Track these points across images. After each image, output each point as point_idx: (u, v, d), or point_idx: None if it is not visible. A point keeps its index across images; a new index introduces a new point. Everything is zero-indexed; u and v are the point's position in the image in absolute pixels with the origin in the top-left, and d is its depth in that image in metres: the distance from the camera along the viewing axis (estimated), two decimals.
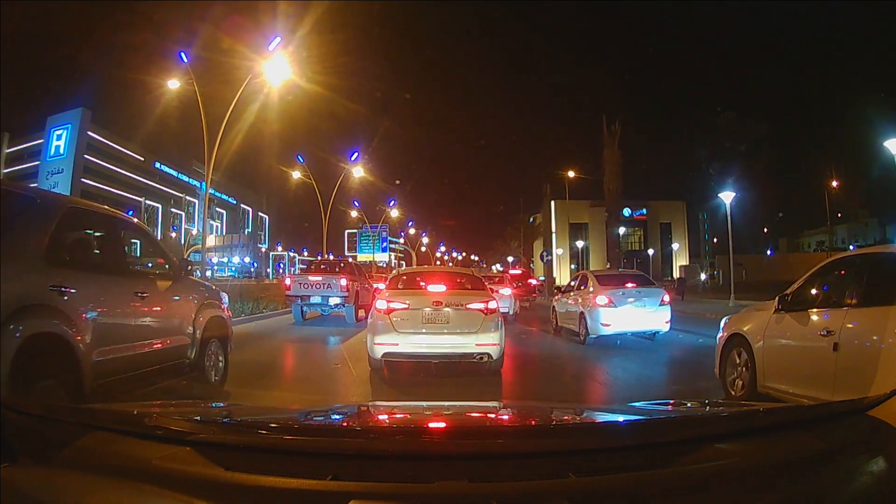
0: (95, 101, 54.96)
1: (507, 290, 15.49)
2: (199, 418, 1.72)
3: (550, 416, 2.12)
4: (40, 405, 1.97)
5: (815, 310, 4.32)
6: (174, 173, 66.50)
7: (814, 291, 4.57)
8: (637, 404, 2.35)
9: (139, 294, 4.28)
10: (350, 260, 24.24)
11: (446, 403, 2.99)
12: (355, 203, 46.64)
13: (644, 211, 59.59)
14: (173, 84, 17.56)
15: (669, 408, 2.38)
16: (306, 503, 1.13)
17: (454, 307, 6.25)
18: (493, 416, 2.26)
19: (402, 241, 75.36)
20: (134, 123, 49.98)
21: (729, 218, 21.42)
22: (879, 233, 54.05)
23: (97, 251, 4.36)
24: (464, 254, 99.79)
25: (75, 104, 52.78)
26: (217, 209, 71.22)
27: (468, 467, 1.22)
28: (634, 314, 9.73)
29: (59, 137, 53.01)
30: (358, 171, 33.45)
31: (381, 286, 9.06)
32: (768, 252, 60.05)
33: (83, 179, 51.99)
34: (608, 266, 31.10)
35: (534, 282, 27.52)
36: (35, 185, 32.88)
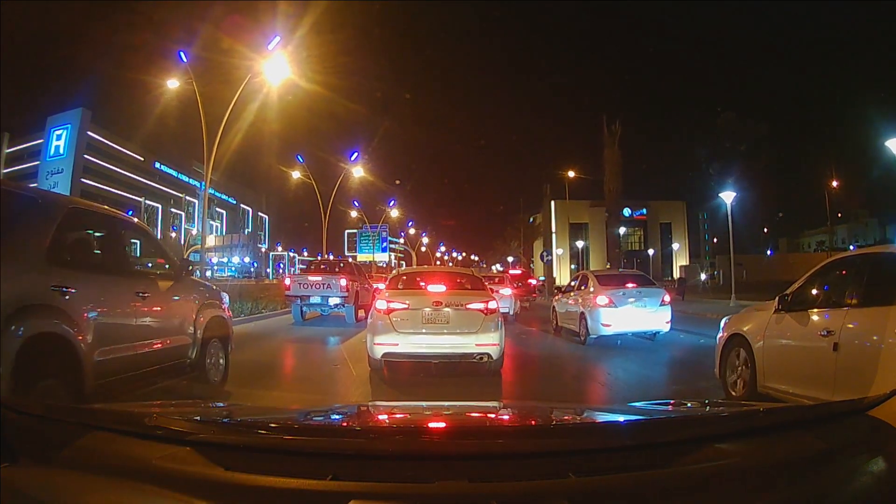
0: (95, 101, 55.07)
1: (507, 291, 15.48)
2: (199, 418, 1.72)
3: (550, 416, 2.12)
4: (40, 405, 1.97)
5: (815, 310, 4.32)
6: (174, 173, 66.52)
7: (814, 291, 4.57)
8: (637, 404, 2.35)
9: (140, 294, 4.28)
10: (350, 260, 24.22)
11: (446, 403, 2.99)
12: (355, 203, 46.67)
13: (644, 211, 59.63)
14: (173, 84, 17.54)
15: (669, 408, 2.38)
16: (306, 503, 1.13)
17: (454, 307, 6.25)
18: (493, 416, 2.26)
19: (402, 241, 75.34)
20: (134, 123, 50.08)
21: (730, 218, 21.42)
22: (879, 233, 54.08)
23: (98, 251, 4.36)
24: (464, 254, 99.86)
25: (75, 104, 52.87)
26: (217, 209, 71.24)
27: (468, 467, 1.22)
28: (635, 314, 9.72)
29: (58, 137, 53.03)
30: (358, 171, 33.45)
31: (381, 286, 9.05)
32: (768, 252, 60.06)
33: (83, 179, 52.01)
34: (608, 266, 31.12)
35: (534, 282, 27.51)
36: (35, 185, 32.91)
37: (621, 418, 2.03)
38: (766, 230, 63.91)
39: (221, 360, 5.52)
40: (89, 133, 54.04)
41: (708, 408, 2.31)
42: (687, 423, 1.74)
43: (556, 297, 12.69)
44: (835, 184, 45.35)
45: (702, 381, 6.27)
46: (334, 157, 38.92)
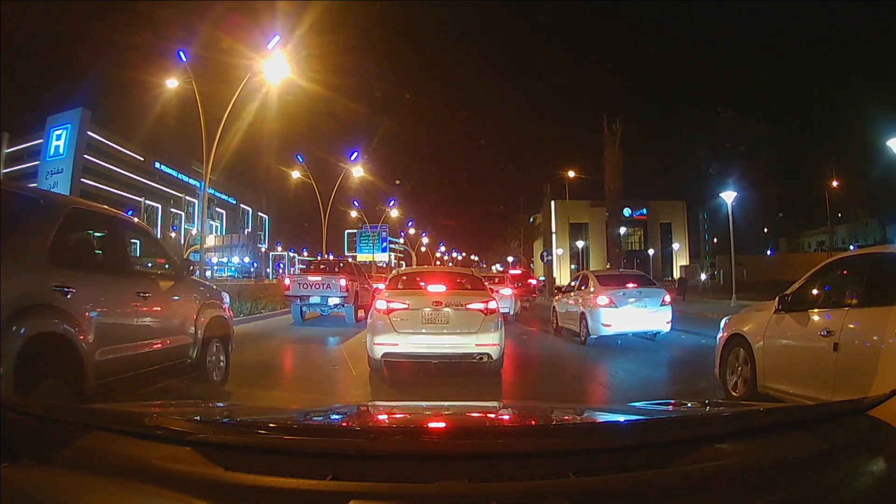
0: (95, 101, 55.14)
1: (507, 291, 15.49)
2: (199, 418, 1.73)
3: (550, 416, 2.12)
4: (40, 405, 1.97)
5: (815, 310, 4.32)
6: (174, 173, 66.53)
7: (814, 291, 4.57)
8: (637, 404, 2.35)
9: (141, 294, 4.29)
10: (350, 260, 24.21)
11: (446, 403, 2.99)
12: (355, 203, 46.66)
13: (644, 211, 59.66)
14: (172, 83, 17.53)
15: (669, 408, 2.38)
16: (306, 503, 1.13)
17: (454, 307, 6.24)
18: (493, 416, 2.26)
19: (401, 241, 75.34)
20: (133, 123, 50.12)
21: (730, 218, 21.41)
22: (879, 233, 54.10)
23: (99, 251, 4.38)
24: (464, 254, 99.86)
25: (75, 104, 52.90)
26: (217, 209, 71.27)
27: (468, 467, 1.22)
28: (635, 314, 9.71)
29: (58, 137, 53.05)
30: (358, 171, 33.45)
31: (381, 286, 9.05)
32: (768, 252, 60.08)
33: (83, 179, 52.02)
34: (608, 266, 31.10)
35: (533, 282, 27.51)
36: (34, 185, 32.92)
37: (621, 418, 2.03)
38: (766, 230, 64.00)
39: (222, 360, 5.52)
40: (89, 133, 54.05)
41: (708, 408, 2.31)
42: (687, 423, 1.74)
43: (557, 298, 12.68)
44: (835, 184, 45.43)
45: (702, 381, 6.27)
46: (334, 156, 38.99)
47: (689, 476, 1.26)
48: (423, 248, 73.58)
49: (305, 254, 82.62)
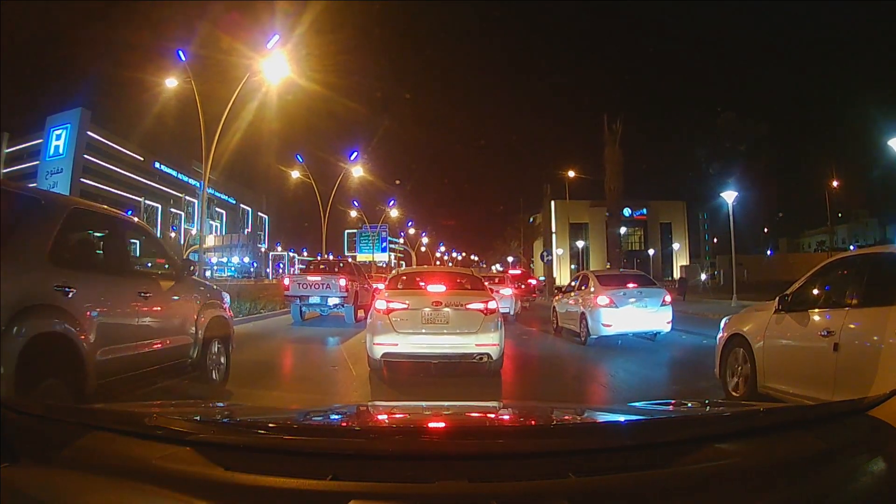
0: (95, 101, 55.20)
1: (508, 291, 15.49)
2: (199, 418, 1.73)
3: (550, 416, 2.12)
4: (40, 405, 1.97)
5: (815, 310, 4.31)
6: (174, 173, 66.55)
7: (814, 292, 4.57)
8: (637, 404, 2.35)
9: (142, 294, 4.30)
10: (349, 260, 24.21)
11: (446, 403, 2.99)
12: (355, 203, 46.67)
13: (644, 211, 59.69)
14: (171, 83, 17.52)
15: (670, 408, 2.38)
16: (306, 503, 1.13)
17: (454, 307, 6.24)
18: (493, 416, 2.26)
19: (401, 241, 75.38)
20: (133, 123, 50.17)
21: (731, 217, 21.38)
22: (880, 233, 54.15)
23: (101, 252, 4.40)
24: (463, 254, 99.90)
25: (74, 104, 52.93)
26: (216, 209, 71.29)
27: (468, 467, 1.22)
28: (636, 314, 9.70)
29: (58, 137, 53.07)
30: (357, 171, 33.49)
31: (381, 286, 9.05)
32: (768, 252, 60.10)
33: (82, 179, 52.03)
34: (608, 266, 31.09)
35: (533, 282, 27.51)
36: (34, 185, 32.91)
37: (621, 418, 2.03)
38: (766, 230, 64.01)
39: (222, 360, 5.53)
40: (89, 133, 54.07)
41: (708, 408, 2.31)
42: (687, 423, 1.74)
43: (557, 298, 12.67)
44: (835, 184, 45.40)
45: (702, 381, 6.27)
46: (334, 156, 39.03)
47: (689, 476, 1.26)
48: (422, 248, 73.64)
49: (305, 254, 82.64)
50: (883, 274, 3.92)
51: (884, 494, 1.23)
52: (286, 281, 14.76)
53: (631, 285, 10.16)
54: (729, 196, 21.25)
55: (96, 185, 52.65)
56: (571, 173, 36.82)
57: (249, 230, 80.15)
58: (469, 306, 6.29)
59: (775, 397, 4.44)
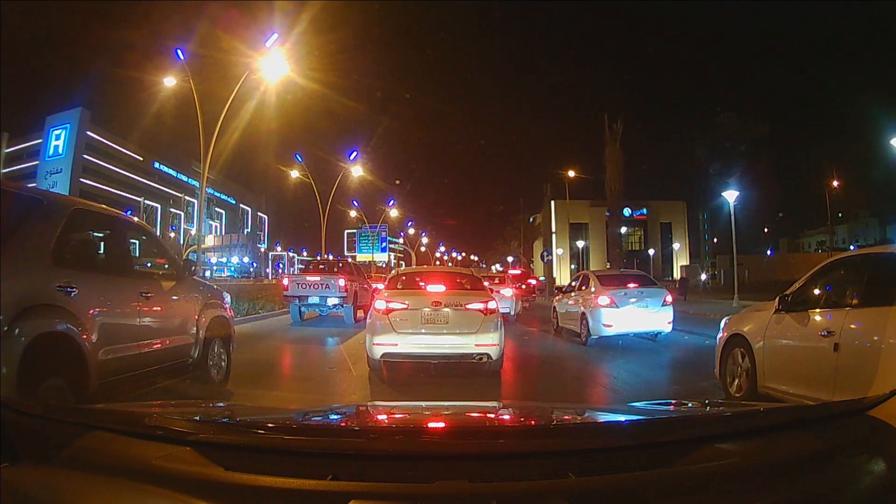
0: (94, 101, 55.23)
1: (509, 291, 15.49)
2: (199, 418, 1.73)
3: (550, 416, 2.12)
4: (41, 405, 1.97)
5: (815, 310, 4.31)
6: (173, 173, 66.56)
7: (814, 292, 4.57)
8: (637, 404, 2.35)
9: (144, 294, 4.32)
10: (349, 260, 24.19)
11: (446, 403, 2.99)
12: (354, 203, 46.64)
13: (644, 211, 59.70)
14: (170, 82, 17.47)
15: (670, 408, 2.38)
16: (306, 503, 1.13)
17: (453, 307, 6.24)
18: (492, 415, 2.26)
19: (401, 241, 75.38)
20: (132, 123, 50.14)
21: (732, 217, 21.29)
22: (880, 233, 54.23)
23: (102, 252, 4.42)
24: (463, 254, 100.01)
25: (74, 104, 52.94)
26: (216, 209, 71.31)
27: (468, 467, 1.22)
28: (636, 315, 9.68)
29: (57, 137, 53.11)
30: (357, 171, 33.52)
31: (380, 286, 9.04)
32: (768, 252, 60.12)
33: (82, 179, 52.04)
34: (608, 266, 31.08)
35: (533, 282, 27.50)
36: (34, 184, 32.92)
37: (621, 418, 2.03)
38: (766, 230, 64.07)
39: (223, 360, 5.55)
40: (88, 133, 54.08)
41: (708, 408, 2.30)
42: (687, 423, 1.74)
43: (557, 298, 12.66)
44: (835, 184, 45.39)
45: (703, 381, 6.27)
46: (333, 156, 38.99)
47: (690, 476, 1.26)
48: (422, 248, 73.66)
49: (305, 254, 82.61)
50: (883, 274, 3.92)
51: (884, 494, 1.23)
52: (285, 281, 14.74)
53: (632, 285, 10.14)
54: (730, 196, 21.18)
55: (96, 185, 52.66)
56: (571, 173, 36.81)
57: (249, 230, 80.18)
58: (469, 306, 6.28)
59: (775, 397, 4.44)
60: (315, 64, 18.49)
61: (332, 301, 13.60)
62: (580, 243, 53.60)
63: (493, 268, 61.71)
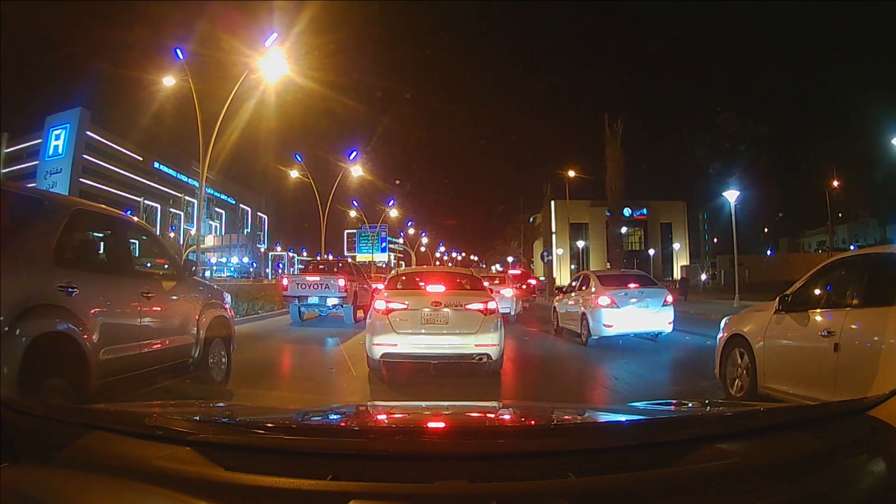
0: (94, 101, 55.24)
1: (509, 292, 15.47)
2: (199, 418, 1.73)
3: (551, 416, 2.12)
4: (41, 405, 1.97)
5: (815, 310, 4.31)
6: (173, 173, 66.61)
7: (814, 292, 4.57)
8: (637, 404, 2.35)
9: (145, 294, 4.32)
10: (349, 260, 24.18)
11: (446, 403, 2.99)
12: (354, 203, 46.62)
13: (644, 211, 59.67)
14: (169, 81, 17.42)
15: (670, 408, 2.37)
16: (306, 503, 1.13)
17: (453, 307, 6.23)
18: (492, 415, 2.26)
19: (401, 241, 75.39)
20: (132, 123, 50.10)
21: (733, 217, 21.24)
22: (880, 233, 54.24)
23: (104, 252, 4.43)
24: (463, 254, 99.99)
25: (74, 104, 52.97)
26: (216, 209, 71.35)
27: (468, 467, 1.22)
28: (637, 315, 9.67)
29: (57, 137, 53.14)
30: (357, 171, 33.49)
31: (380, 286, 9.03)
32: (768, 252, 60.12)
33: (82, 179, 52.05)
34: (608, 266, 31.08)
35: (533, 282, 27.48)
36: (33, 184, 32.90)
37: (621, 418, 2.03)
38: (766, 230, 64.06)
39: (224, 360, 5.55)
40: (88, 133, 54.09)
41: (708, 408, 2.30)
42: (687, 423, 1.74)
43: (557, 298, 12.64)
44: (835, 184, 45.36)
45: (703, 381, 6.27)
46: (333, 156, 38.95)
47: (690, 476, 1.26)
48: (422, 248, 73.65)
49: (305, 254, 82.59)
50: (883, 274, 3.92)
51: (884, 494, 1.23)
52: (285, 281, 14.70)
53: (632, 285, 10.11)
54: (731, 196, 21.13)
55: (95, 185, 52.68)
56: (571, 173, 36.76)
57: (249, 230, 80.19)
58: (468, 306, 6.28)
59: (775, 397, 4.43)
60: (315, 63, 18.46)
61: (331, 301, 13.58)
62: (580, 243, 53.59)
63: (492, 268, 61.70)
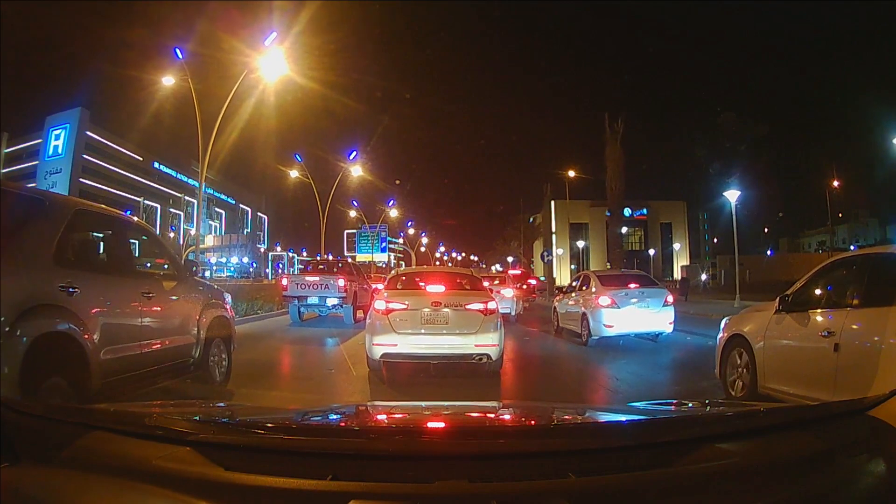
0: (93, 101, 55.29)
1: (510, 292, 15.46)
2: (199, 418, 1.73)
3: (551, 416, 2.12)
4: (41, 405, 1.97)
5: (815, 310, 4.31)
6: (173, 173, 66.61)
7: (815, 292, 4.57)
8: (637, 404, 2.35)
9: (145, 294, 4.33)
10: (349, 260, 24.17)
11: (446, 403, 2.99)
12: (354, 203, 46.59)
13: (644, 211, 59.70)
14: (169, 81, 17.40)
15: (670, 408, 2.37)
16: (306, 503, 1.13)
17: (453, 308, 6.23)
18: (492, 415, 2.26)
19: (401, 241, 75.37)
20: (132, 122, 50.10)
21: (734, 217, 21.20)
22: (880, 233, 54.22)
23: (104, 252, 4.44)
24: (463, 254, 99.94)
25: (73, 104, 52.99)
26: (216, 209, 71.35)
27: (468, 467, 1.22)
28: (637, 315, 9.65)
29: (57, 137, 53.16)
30: (357, 171, 33.48)
31: (380, 286, 9.02)
32: (769, 252, 60.10)
33: (81, 179, 52.05)
34: (609, 266, 31.06)
35: (533, 282, 27.47)
36: (33, 184, 32.91)
37: (622, 418, 2.03)
38: (766, 230, 64.02)
39: (224, 360, 5.55)
40: (88, 133, 54.09)
41: (708, 408, 2.30)
42: (687, 423, 1.74)
43: (557, 298, 12.63)
44: (835, 184, 45.35)
45: (703, 381, 6.27)
46: (333, 156, 38.91)
47: (690, 476, 1.26)
48: (422, 249, 73.63)
49: (305, 254, 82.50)
50: (883, 274, 3.92)
51: (884, 494, 1.23)
52: (284, 281, 14.68)
53: (633, 285, 10.10)
54: (732, 195, 21.09)
55: (95, 184, 52.68)
56: (571, 173, 36.75)
57: (249, 230, 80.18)
58: (468, 307, 6.28)
59: (775, 397, 4.43)
60: (314, 63, 18.43)
61: (331, 301, 13.57)
62: (580, 243, 53.60)
63: (493, 268, 61.68)
